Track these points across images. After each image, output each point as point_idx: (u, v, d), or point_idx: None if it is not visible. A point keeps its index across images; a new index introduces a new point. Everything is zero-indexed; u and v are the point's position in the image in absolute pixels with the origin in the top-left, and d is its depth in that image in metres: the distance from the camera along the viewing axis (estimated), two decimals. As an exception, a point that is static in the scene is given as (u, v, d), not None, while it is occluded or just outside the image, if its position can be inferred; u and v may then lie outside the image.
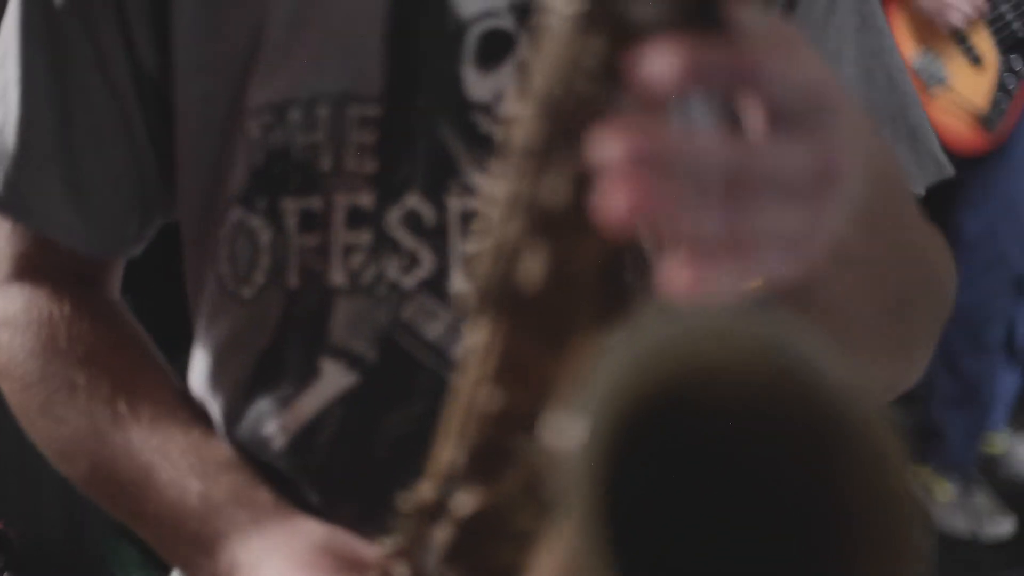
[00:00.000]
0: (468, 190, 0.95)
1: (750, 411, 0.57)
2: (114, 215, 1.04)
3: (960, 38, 3.22)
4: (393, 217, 0.96)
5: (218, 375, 1.02)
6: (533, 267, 0.64)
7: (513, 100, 0.64)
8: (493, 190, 0.65)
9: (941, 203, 2.61)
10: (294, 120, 0.96)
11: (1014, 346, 3.60)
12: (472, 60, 0.95)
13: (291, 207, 0.97)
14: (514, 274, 0.64)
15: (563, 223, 0.63)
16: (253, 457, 0.99)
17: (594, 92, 0.61)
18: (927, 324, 1.00)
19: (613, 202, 0.55)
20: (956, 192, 3.33)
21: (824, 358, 0.56)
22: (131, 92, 1.01)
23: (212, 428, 1.02)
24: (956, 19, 3.16)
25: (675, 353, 0.55)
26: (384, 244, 0.96)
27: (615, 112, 0.61)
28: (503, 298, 0.65)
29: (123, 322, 1.07)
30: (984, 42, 3.23)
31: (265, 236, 0.98)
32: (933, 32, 3.20)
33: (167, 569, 1.05)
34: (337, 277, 0.97)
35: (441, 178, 0.95)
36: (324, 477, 0.98)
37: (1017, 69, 3.23)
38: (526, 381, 0.65)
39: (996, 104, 3.23)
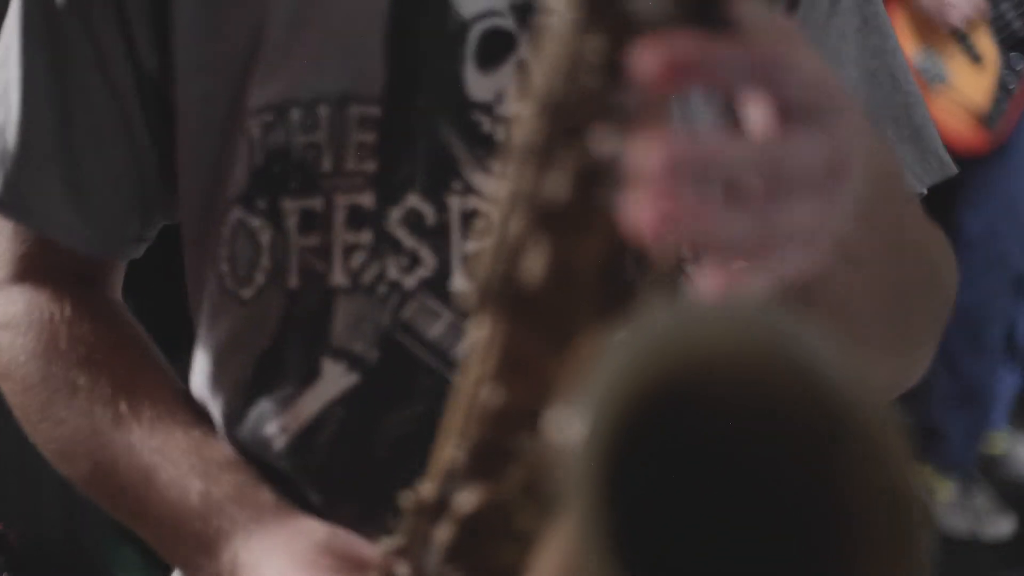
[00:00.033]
0: (469, 190, 0.95)
1: (752, 408, 0.57)
2: (114, 215, 1.04)
3: (961, 37, 3.22)
4: (394, 217, 0.96)
5: (218, 376, 1.02)
6: (535, 265, 0.64)
7: (515, 99, 0.64)
8: (495, 189, 0.65)
9: (942, 202, 2.61)
10: (294, 120, 0.96)
11: (1014, 346, 3.60)
12: (473, 60, 0.95)
13: (291, 207, 0.97)
14: (516, 272, 0.64)
15: (565, 221, 0.63)
16: (254, 458, 0.99)
17: (596, 90, 0.61)
18: (928, 322, 1.00)
19: (646, 211, 0.56)
20: (957, 192, 3.33)
21: (828, 354, 0.56)
22: (131, 92, 1.01)
23: (213, 428, 1.02)
24: (956, 19, 3.16)
25: (677, 350, 0.55)
26: (385, 244, 0.96)
27: (616, 110, 0.61)
28: (505, 296, 0.65)
29: (124, 323, 1.07)
30: (985, 41, 3.23)
31: (265, 236, 0.98)
32: (934, 31, 3.20)
33: (167, 570, 1.05)
34: (338, 277, 0.97)
35: (442, 178, 0.95)
36: (325, 477, 0.98)
37: (1018, 68, 3.23)
38: (528, 379, 0.65)
39: (997, 103, 3.23)
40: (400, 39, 0.95)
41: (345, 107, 0.95)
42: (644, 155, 0.56)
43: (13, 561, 2.56)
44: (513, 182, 0.64)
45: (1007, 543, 3.50)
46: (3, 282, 1.06)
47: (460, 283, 0.95)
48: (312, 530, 0.93)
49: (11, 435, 1.14)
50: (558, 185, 0.63)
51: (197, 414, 1.02)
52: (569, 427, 0.52)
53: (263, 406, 1.00)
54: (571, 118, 0.62)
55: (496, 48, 0.95)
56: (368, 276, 0.96)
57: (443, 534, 0.70)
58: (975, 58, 3.22)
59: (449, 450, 0.69)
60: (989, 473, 3.66)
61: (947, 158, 1.06)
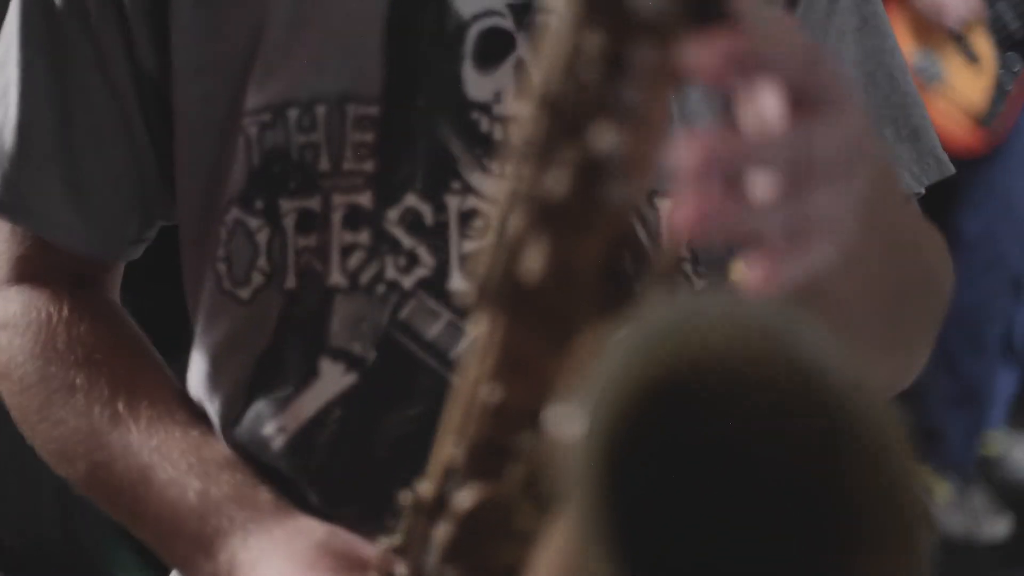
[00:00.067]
0: (468, 189, 0.95)
1: (753, 406, 0.57)
2: (114, 216, 1.04)
3: (958, 37, 3.22)
4: (392, 217, 0.96)
5: (217, 376, 1.02)
6: (534, 262, 0.64)
7: (515, 98, 0.64)
8: (495, 187, 0.65)
9: (940, 203, 2.61)
10: (292, 120, 0.96)
11: (1013, 346, 3.60)
12: (472, 59, 0.95)
13: (289, 207, 0.97)
14: (515, 270, 0.64)
15: (564, 218, 0.63)
16: (252, 458, 0.99)
17: (595, 87, 0.61)
18: (925, 322, 1.01)
19: (687, 208, 0.57)
20: (955, 192, 3.33)
21: (829, 352, 0.56)
22: (131, 92, 1.00)
23: (211, 429, 1.02)
24: (952, 21, 3.17)
25: (678, 347, 0.55)
26: (383, 244, 0.96)
27: (616, 107, 0.61)
28: (505, 294, 0.65)
29: (122, 323, 1.07)
30: (981, 41, 3.23)
31: (263, 236, 0.98)
32: (931, 31, 3.20)
33: (165, 572, 1.05)
34: (336, 277, 0.97)
35: (441, 177, 0.95)
36: (324, 477, 0.98)
37: (1014, 68, 3.23)
38: (527, 377, 0.65)
39: (993, 103, 3.23)
40: (399, 39, 0.95)
41: (343, 107, 0.95)
42: (682, 154, 0.57)
43: (9, 563, 2.56)
44: (512, 179, 0.64)
45: (1004, 544, 3.50)
46: (1, 283, 1.06)
47: (459, 283, 0.95)
48: (311, 529, 0.93)
49: (8, 436, 1.14)
50: (558, 182, 0.63)
51: (195, 414, 1.02)
52: (569, 425, 0.52)
53: (261, 406, 1.00)
54: (571, 115, 0.62)
55: (495, 48, 0.95)
56: (366, 276, 0.96)
57: (442, 533, 0.70)
58: (972, 58, 3.23)
59: (448, 449, 0.69)
60: (986, 474, 3.66)
61: (945, 158, 1.06)
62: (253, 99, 0.96)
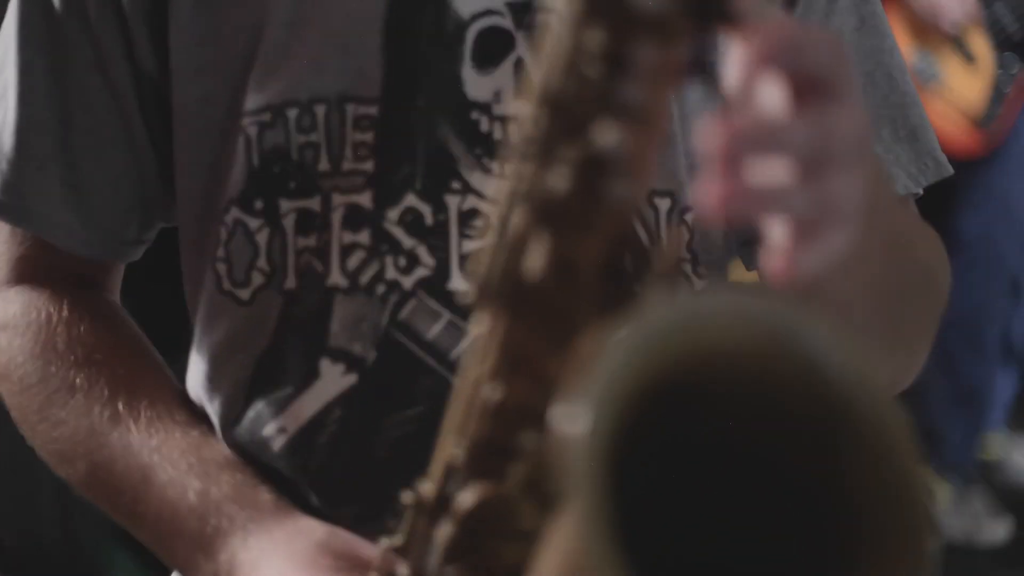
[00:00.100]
0: (468, 189, 0.95)
1: (757, 403, 0.57)
2: (114, 217, 1.04)
3: (955, 38, 3.22)
4: (392, 217, 0.96)
5: (216, 377, 1.02)
6: (536, 261, 0.64)
7: (517, 97, 0.64)
8: (496, 185, 0.65)
9: (938, 204, 2.61)
10: (292, 120, 0.96)
11: (1012, 347, 3.60)
12: (471, 59, 0.95)
13: (289, 207, 0.97)
14: (517, 268, 0.64)
15: (566, 216, 0.63)
16: (252, 458, 0.99)
17: (596, 85, 0.61)
18: (923, 322, 1.01)
19: (714, 190, 0.58)
20: (953, 194, 3.33)
21: (833, 349, 0.56)
22: (131, 93, 1.00)
23: (212, 429, 1.02)
24: (946, 24, 3.17)
25: (681, 345, 0.55)
26: (383, 244, 0.96)
27: (617, 105, 0.61)
28: (506, 292, 0.65)
29: (122, 323, 1.07)
30: (979, 42, 3.23)
31: (263, 237, 0.98)
32: (929, 32, 3.21)
33: (163, 573, 1.05)
34: (336, 277, 0.97)
35: (441, 177, 0.95)
36: (324, 478, 0.98)
37: (1012, 69, 3.23)
38: (529, 376, 0.65)
39: (991, 104, 3.23)
40: (398, 39, 0.95)
41: (343, 107, 0.95)
42: (707, 138, 0.58)
43: (8, 565, 2.55)
44: (513, 178, 0.64)
45: (1004, 547, 3.50)
46: (1, 284, 1.06)
47: (459, 283, 0.96)
48: (311, 529, 0.93)
49: (8, 437, 1.14)
50: (558, 181, 0.63)
51: (195, 414, 1.02)
52: (572, 423, 0.52)
53: (261, 407, 1.00)
54: (571, 114, 0.62)
55: (494, 47, 0.95)
56: (366, 276, 0.96)
57: (444, 533, 0.70)
58: (970, 59, 3.23)
59: (450, 448, 0.69)
60: (986, 476, 3.66)
61: (944, 159, 1.07)
62: (253, 99, 0.96)
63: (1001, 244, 3.43)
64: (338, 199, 0.96)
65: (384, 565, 0.75)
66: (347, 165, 0.96)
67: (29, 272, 1.06)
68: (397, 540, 0.74)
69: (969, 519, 3.51)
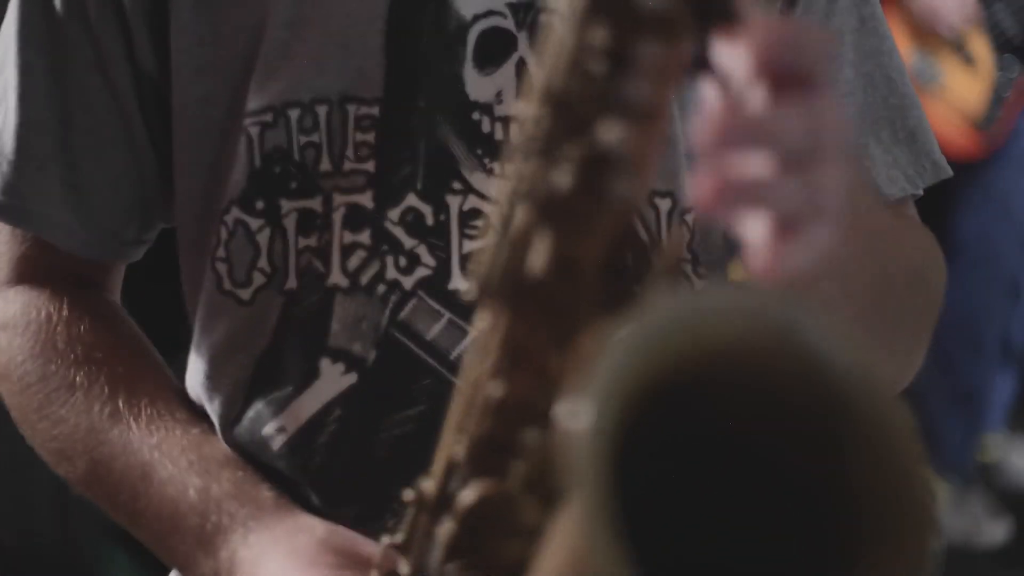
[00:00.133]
0: (469, 189, 0.95)
1: (759, 400, 0.57)
2: (114, 218, 1.04)
3: (955, 40, 3.22)
4: (393, 217, 0.96)
5: (216, 376, 1.02)
6: (538, 258, 0.64)
7: (519, 96, 0.64)
8: (498, 183, 0.65)
9: (937, 206, 2.61)
10: (294, 120, 0.96)
11: (1010, 348, 3.60)
12: (472, 59, 0.95)
13: (290, 207, 0.97)
14: (519, 266, 0.64)
15: (568, 214, 0.63)
16: (251, 458, 0.99)
17: (599, 84, 0.61)
18: (915, 322, 1.01)
19: (705, 182, 0.58)
20: (952, 195, 3.33)
21: (835, 346, 0.56)
22: (131, 94, 1.01)
23: (212, 427, 1.02)
24: (944, 28, 3.17)
25: (684, 341, 0.55)
26: (384, 244, 0.96)
27: (619, 103, 0.61)
28: (509, 289, 0.65)
29: (122, 323, 1.07)
30: (978, 44, 3.23)
31: (264, 237, 0.98)
32: (928, 34, 3.21)
33: (161, 574, 1.05)
34: (336, 277, 0.97)
35: (442, 177, 0.95)
36: (324, 478, 0.98)
37: (1011, 71, 3.23)
38: (531, 373, 0.65)
39: (991, 106, 3.24)
40: (400, 39, 0.95)
41: (344, 107, 0.96)
42: (698, 130, 0.58)
43: (8, 563, 2.55)
44: (515, 176, 0.64)
45: (1003, 548, 3.50)
46: (2, 283, 1.06)
47: (459, 283, 0.96)
48: (312, 527, 0.93)
49: (7, 437, 1.14)
50: (560, 179, 0.63)
51: (195, 413, 1.02)
52: (575, 419, 0.52)
53: (261, 406, 1.00)
54: (573, 112, 0.62)
55: (496, 48, 0.95)
56: (367, 276, 0.96)
57: (445, 531, 0.70)
58: (969, 61, 3.23)
59: (451, 445, 0.69)
60: (985, 477, 3.66)
61: (943, 161, 1.07)
62: (254, 100, 0.96)
63: (1000, 245, 3.43)
64: (339, 199, 0.96)
65: (385, 563, 0.75)
66: (348, 165, 0.96)
67: (29, 272, 1.06)
68: (398, 537, 0.74)
69: (968, 520, 3.51)
